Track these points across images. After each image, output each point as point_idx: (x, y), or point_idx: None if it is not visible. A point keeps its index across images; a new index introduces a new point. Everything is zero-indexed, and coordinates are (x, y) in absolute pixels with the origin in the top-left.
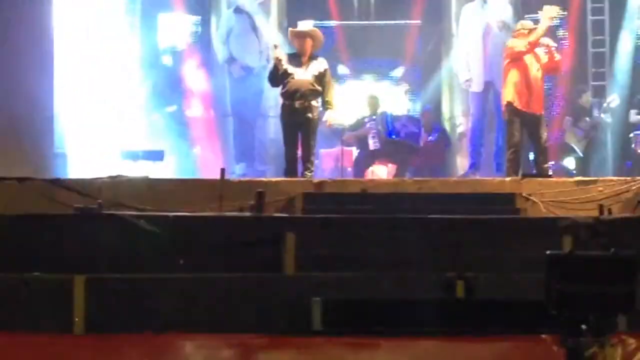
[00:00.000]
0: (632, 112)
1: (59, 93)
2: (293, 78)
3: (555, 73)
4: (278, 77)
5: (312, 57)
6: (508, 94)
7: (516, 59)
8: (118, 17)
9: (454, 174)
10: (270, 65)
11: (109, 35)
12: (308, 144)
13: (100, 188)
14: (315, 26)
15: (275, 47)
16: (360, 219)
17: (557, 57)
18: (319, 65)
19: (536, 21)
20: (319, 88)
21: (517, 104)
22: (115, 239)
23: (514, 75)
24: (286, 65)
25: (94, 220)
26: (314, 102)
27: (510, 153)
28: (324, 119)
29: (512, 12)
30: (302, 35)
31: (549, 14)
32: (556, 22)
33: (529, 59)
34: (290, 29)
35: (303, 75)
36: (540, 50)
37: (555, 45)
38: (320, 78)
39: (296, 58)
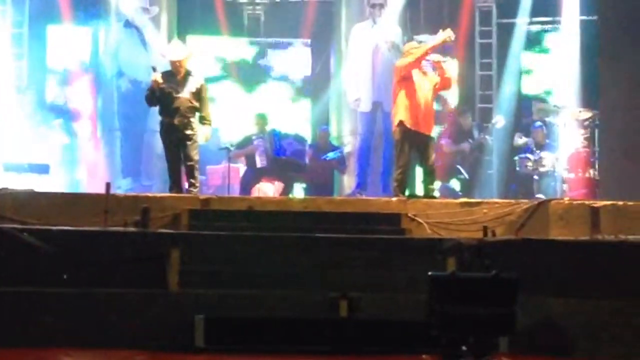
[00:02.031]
0: (517, 135)
1: None
2: (171, 96)
3: (447, 89)
4: (155, 97)
5: (188, 74)
6: (399, 114)
7: (406, 78)
8: (4, 28)
9: (341, 193)
10: (148, 86)
11: None
12: (190, 160)
13: None
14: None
15: (154, 69)
16: (245, 236)
17: (448, 73)
18: (196, 81)
19: (423, 42)
20: (197, 104)
21: (407, 124)
22: None
23: (403, 96)
24: (163, 84)
25: None
26: (192, 119)
27: (398, 173)
28: (200, 135)
29: (400, 33)
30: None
31: (444, 35)
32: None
33: (418, 79)
34: (162, 52)
35: (181, 92)
36: (430, 70)
37: (444, 60)
38: (197, 94)
39: (172, 76)
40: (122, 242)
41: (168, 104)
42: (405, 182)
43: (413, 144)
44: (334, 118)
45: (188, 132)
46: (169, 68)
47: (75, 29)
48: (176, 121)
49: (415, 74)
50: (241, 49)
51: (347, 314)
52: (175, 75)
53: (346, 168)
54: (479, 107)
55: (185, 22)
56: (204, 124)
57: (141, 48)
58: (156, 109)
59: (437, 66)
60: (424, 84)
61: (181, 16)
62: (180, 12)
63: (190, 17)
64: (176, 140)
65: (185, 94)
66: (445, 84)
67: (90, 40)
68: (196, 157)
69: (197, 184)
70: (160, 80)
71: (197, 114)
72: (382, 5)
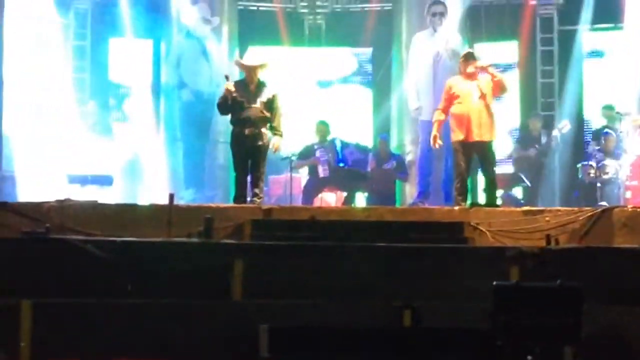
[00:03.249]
0: (593, 142)
1: (8, 114)
2: (243, 106)
3: (503, 92)
4: (227, 106)
5: (261, 84)
6: (451, 127)
7: (449, 97)
8: (68, 41)
9: (403, 201)
10: (220, 94)
11: (58, 58)
12: (258, 170)
13: (48, 212)
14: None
15: (227, 78)
16: (308, 246)
17: (497, 76)
18: (268, 92)
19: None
20: (268, 115)
21: (458, 137)
22: (62, 264)
23: (453, 109)
24: (235, 93)
25: (41, 245)
26: (263, 129)
27: (456, 182)
28: (270, 145)
29: (461, 40)
30: (249, 68)
31: None
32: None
33: (466, 89)
34: (237, 60)
35: (252, 102)
36: (483, 76)
37: (489, 63)
38: (269, 104)
39: (245, 85)
40: (185, 253)
41: (239, 113)
42: (464, 190)
43: (469, 153)
44: (395, 126)
45: (258, 142)
46: (241, 77)
47: (137, 41)
48: (247, 131)
49: (462, 83)
50: (302, 57)
51: (411, 324)
52: (248, 85)
53: (408, 176)
54: (542, 114)
55: (246, 33)
56: (274, 134)
57: (203, 59)
58: (220, 119)
59: (484, 71)
60: (474, 92)
61: (242, 27)
62: (241, 23)
63: (251, 28)
64: (245, 150)
65: (257, 103)
66: (497, 86)
67: (152, 51)
68: (263, 169)
69: (262, 195)
70: (233, 89)
71: (268, 125)
72: (442, 14)
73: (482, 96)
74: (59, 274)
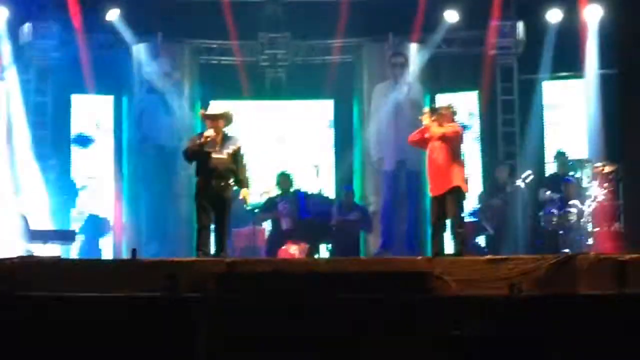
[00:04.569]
0: (542, 190)
1: None
2: (210, 157)
3: (450, 139)
4: (199, 154)
5: (225, 136)
6: None
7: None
8: (28, 97)
9: (368, 252)
10: (198, 140)
11: (18, 114)
12: (223, 223)
13: (12, 269)
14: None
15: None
16: (272, 299)
17: (432, 128)
18: (233, 143)
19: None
20: (234, 167)
21: (430, 192)
22: (26, 321)
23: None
24: (203, 143)
25: (4, 302)
26: (230, 182)
27: (432, 232)
28: (240, 196)
29: (422, 91)
30: (214, 117)
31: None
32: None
33: (430, 145)
34: (201, 111)
35: (219, 154)
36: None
37: (425, 123)
38: (234, 156)
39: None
40: (148, 308)
41: (206, 164)
42: (433, 240)
43: (439, 205)
44: (357, 177)
45: (224, 194)
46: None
47: (99, 97)
48: (213, 182)
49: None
50: (263, 109)
51: None
52: (214, 137)
53: (371, 227)
54: (508, 163)
55: (208, 87)
56: (240, 187)
57: (164, 113)
58: (183, 173)
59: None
60: (432, 148)
61: (203, 80)
62: (202, 77)
63: (212, 82)
64: (211, 201)
65: (224, 155)
66: (442, 138)
67: (114, 107)
68: (228, 222)
69: (227, 249)
70: (203, 140)
71: (233, 177)
72: (403, 65)
73: (437, 149)
74: (22, 331)
